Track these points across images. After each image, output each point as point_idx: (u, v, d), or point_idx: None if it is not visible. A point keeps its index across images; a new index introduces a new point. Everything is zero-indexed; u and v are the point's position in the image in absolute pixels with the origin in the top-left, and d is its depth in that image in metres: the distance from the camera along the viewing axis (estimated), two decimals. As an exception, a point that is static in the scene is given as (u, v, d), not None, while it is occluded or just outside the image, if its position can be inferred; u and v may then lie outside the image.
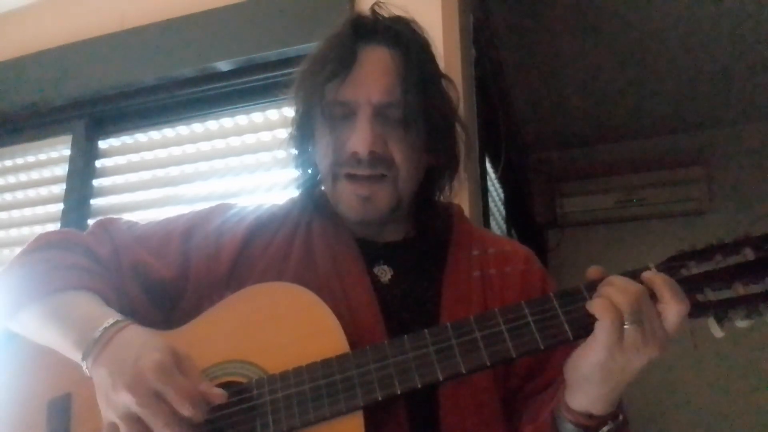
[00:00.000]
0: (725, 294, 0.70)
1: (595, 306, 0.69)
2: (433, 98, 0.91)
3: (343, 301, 0.83)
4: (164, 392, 0.69)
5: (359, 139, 0.85)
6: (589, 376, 0.70)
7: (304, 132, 0.96)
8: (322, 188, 0.98)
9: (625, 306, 0.67)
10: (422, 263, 0.93)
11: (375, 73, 0.88)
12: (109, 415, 0.72)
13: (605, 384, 0.70)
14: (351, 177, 0.88)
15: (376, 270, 0.91)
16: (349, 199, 0.89)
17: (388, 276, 0.91)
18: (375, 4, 0.95)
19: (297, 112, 0.97)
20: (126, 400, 0.69)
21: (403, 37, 0.90)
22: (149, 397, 0.69)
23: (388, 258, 0.93)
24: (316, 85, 0.89)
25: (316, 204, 0.97)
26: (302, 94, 0.94)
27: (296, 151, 0.98)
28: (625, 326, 0.66)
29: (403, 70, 0.88)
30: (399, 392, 0.73)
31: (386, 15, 0.94)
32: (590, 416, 0.72)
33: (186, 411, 0.69)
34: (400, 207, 0.92)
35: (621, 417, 0.74)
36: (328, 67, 0.88)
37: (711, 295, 0.70)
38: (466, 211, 1.31)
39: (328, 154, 0.89)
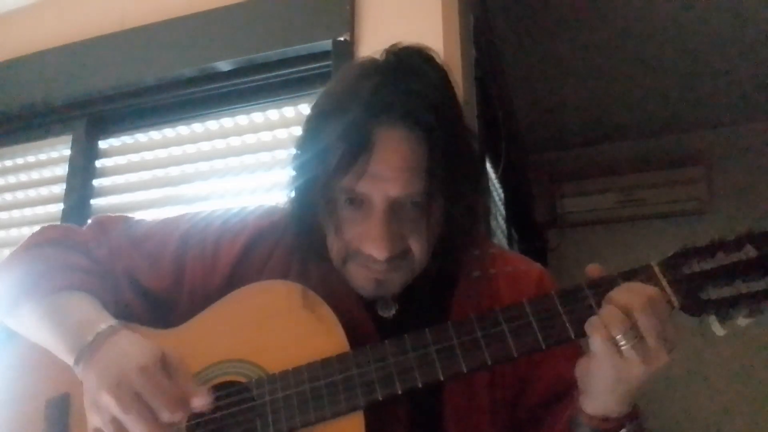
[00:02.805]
0: (727, 292, 0.69)
1: (587, 323, 0.68)
2: (459, 176, 0.78)
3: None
4: (145, 395, 0.69)
5: (377, 245, 0.76)
6: (599, 384, 0.70)
7: (304, 197, 0.85)
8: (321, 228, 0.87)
9: (615, 329, 0.66)
10: (431, 294, 0.87)
11: (394, 166, 0.75)
12: (93, 419, 0.72)
13: (617, 391, 0.69)
14: (365, 266, 0.80)
15: (379, 305, 0.86)
16: (360, 280, 0.82)
17: (392, 311, 0.86)
18: (392, 46, 0.82)
19: (297, 177, 0.85)
20: (108, 402, 0.69)
21: (425, 114, 0.75)
22: (130, 401, 0.68)
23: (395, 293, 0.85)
24: (325, 170, 0.77)
25: (315, 251, 0.87)
26: (305, 168, 0.82)
27: (294, 210, 0.87)
28: (622, 345, 0.66)
29: (426, 156, 0.75)
30: (400, 392, 0.72)
31: (405, 66, 0.79)
32: (607, 419, 0.72)
33: (165, 415, 0.69)
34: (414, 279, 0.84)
35: (638, 419, 0.73)
36: (339, 154, 0.75)
37: (713, 293, 0.69)
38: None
39: (339, 245, 0.80)
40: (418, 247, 0.80)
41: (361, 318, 0.85)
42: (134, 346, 0.74)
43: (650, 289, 0.68)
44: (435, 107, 0.76)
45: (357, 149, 0.74)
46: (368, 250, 0.77)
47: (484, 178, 0.91)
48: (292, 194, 0.86)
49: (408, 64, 0.80)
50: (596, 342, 0.67)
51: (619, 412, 0.71)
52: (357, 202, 0.78)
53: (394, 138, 0.76)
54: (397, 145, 0.76)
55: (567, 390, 0.81)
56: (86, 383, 0.74)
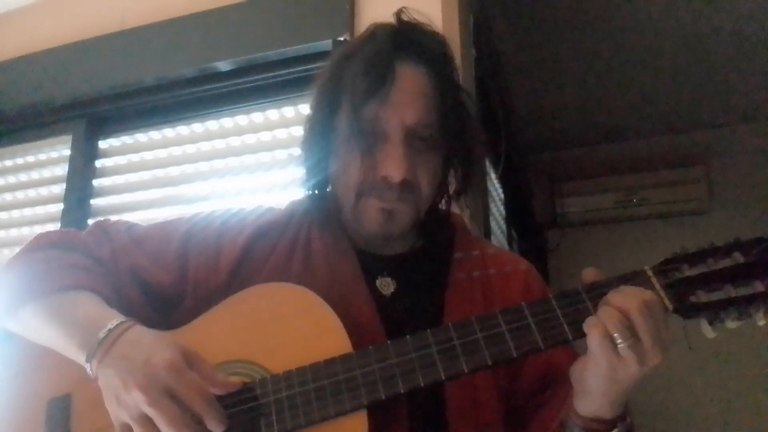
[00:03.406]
0: (717, 296, 0.72)
1: (586, 322, 0.70)
2: (462, 119, 0.90)
3: (344, 317, 0.82)
4: (177, 390, 0.69)
5: (394, 166, 0.84)
6: (595, 385, 0.71)
7: (321, 140, 0.92)
8: (328, 190, 0.96)
9: (613, 328, 0.67)
10: (426, 275, 0.93)
11: (411, 95, 0.86)
12: (120, 415, 0.72)
13: (611, 391, 0.71)
14: (378, 197, 0.87)
15: (378, 283, 0.91)
16: (372, 213, 0.87)
17: (391, 289, 0.91)
18: (400, 10, 0.92)
19: (317, 118, 0.93)
20: (138, 399, 0.69)
21: (437, 56, 0.89)
22: (161, 396, 0.68)
23: (391, 270, 0.92)
24: (349, 100, 0.86)
25: (320, 211, 0.95)
26: (325, 106, 0.91)
27: (309, 158, 0.95)
28: (619, 344, 0.67)
29: (437, 91, 0.87)
30: (402, 391, 0.73)
31: (415, 24, 0.92)
32: (599, 420, 0.73)
33: (199, 407, 0.69)
34: (418, 221, 0.92)
35: (629, 419, 0.74)
36: (364, 83, 0.84)
37: (703, 297, 0.72)
38: (467, 211, 1.31)
39: (355, 174, 0.86)
40: (425, 183, 0.88)
41: (363, 297, 0.87)
42: (155, 340, 0.74)
43: (646, 293, 0.70)
44: (444, 52, 0.90)
45: (381, 78, 0.83)
46: (386, 171, 0.84)
47: (482, 140, 0.99)
48: (310, 138, 0.93)
49: (416, 22, 0.92)
50: (594, 340, 0.68)
51: (612, 413, 0.73)
52: (374, 133, 0.86)
53: (412, 72, 0.86)
54: (414, 78, 0.86)
55: (557, 377, 0.83)
56: (105, 380, 0.73)
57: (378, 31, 0.90)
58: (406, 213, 0.88)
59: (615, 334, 0.67)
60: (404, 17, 0.92)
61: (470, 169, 0.96)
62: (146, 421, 0.70)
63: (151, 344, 0.73)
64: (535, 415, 0.86)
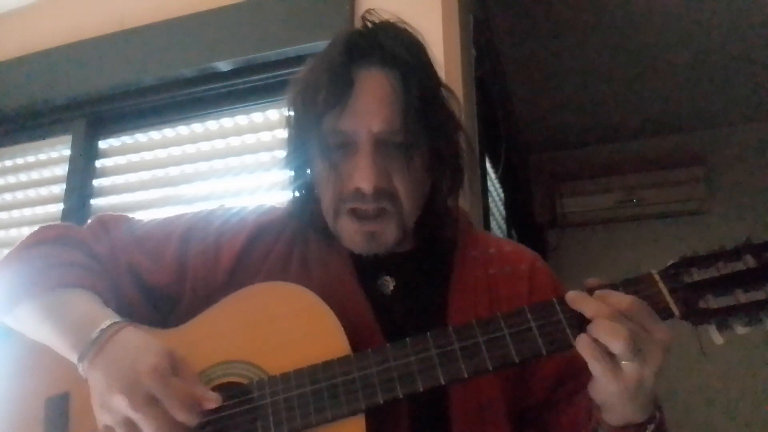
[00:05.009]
0: (726, 301, 0.69)
1: (582, 348, 0.67)
2: (436, 118, 0.86)
3: (340, 317, 0.80)
4: (159, 396, 0.69)
5: (363, 175, 0.81)
6: (614, 400, 0.70)
7: (298, 157, 0.91)
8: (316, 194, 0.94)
9: (618, 349, 0.65)
10: (427, 273, 0.91)
11: (374, 101, 0.82)
12: (103, 418, 0.72)
13: (634, 400, 0.69)
14: (354, 212, 0.84)
15: (379, 282, 0.89)
16: (352, 235, 0.86)
17: (391, 287, 0.89)
18: (367, 12, 0.89)
19: (290, 136, 0.92)
20: (120, 403, 0.69)
21: (401, 56, 0.84)
22: (143, 401, 0.69)
23: (391, 269, 0.90)
24: (312, 114, 0.84)
25: (312, 222, 0.93)
26: (296, 121, 0.90)
27: (291, 175, 0.94)
28: (623, 363, 0.65)
29: (403, 94, 0.82)
30: (401, 396, 0.72)
31: (380, 25, 0.88)
32: (632, 425, 0.71)
33: (180, 415, 0.69)
34: (406, 235, 0.89)
35: (658, 415, 0.72)
36: (323, 96, 0.82)
37: (712, 302, 0.70)
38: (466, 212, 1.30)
39: (329, 188, 0.85)
40: (403, 190, 0.84)
41: (357, 297, 0.86)
42: (143, 344, 0.74)
43: (625, 299, 0.68)
44: (409, 51, 0.85)
45: (339, 88, 0.81)
46: (356, 182, 0.82)
47: (468, 142, 0.95)
48: (290, 156, 0.92)
49: (382, 22, 0.89)
50: (591, 362, 0.67)
51: (642, 416, 0.71)
52: (345, 144, 0.83)
53: (373, 77, 0.83)
54: (377, 83, 0.83)
55: (574, 372, 0.81)
56: (93, 382, 0.73)
57: (338, 38, 0.87)
58: (389, 229, 0.85)
59: (619, 353, 0.65)
60: (370, 19, 0.89)
61: (458, 171, 0.92)
62: (129, 425, 0.70)
63: (139, 348, 0.73)
64: (551, 418, 0.85)
